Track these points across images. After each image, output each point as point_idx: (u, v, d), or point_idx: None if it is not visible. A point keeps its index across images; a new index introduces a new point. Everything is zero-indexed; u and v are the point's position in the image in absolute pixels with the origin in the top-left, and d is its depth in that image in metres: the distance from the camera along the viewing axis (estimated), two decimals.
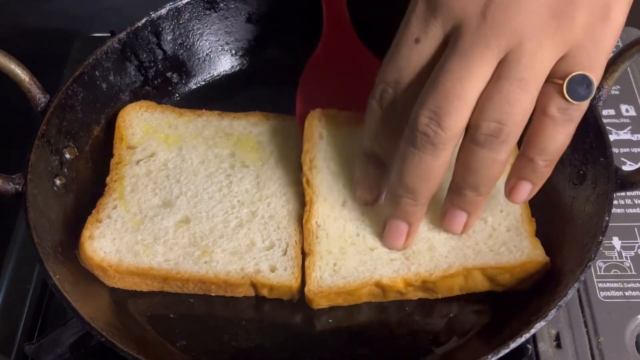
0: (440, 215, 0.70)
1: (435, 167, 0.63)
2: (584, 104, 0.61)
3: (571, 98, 0.60)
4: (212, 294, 0.72)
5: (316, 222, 0.73)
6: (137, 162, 0.79)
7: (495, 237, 0.72)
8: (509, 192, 0.67)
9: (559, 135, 0.62)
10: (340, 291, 0.70)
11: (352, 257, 0.71)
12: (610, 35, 0.60)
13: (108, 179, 0.77)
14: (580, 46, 0.60)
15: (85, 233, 0.73)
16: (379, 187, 0.71)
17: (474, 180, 0.64)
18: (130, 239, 0.73)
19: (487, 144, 0.61)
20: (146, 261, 0.71)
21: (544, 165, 0.64)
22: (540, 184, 0.66)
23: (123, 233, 0.73)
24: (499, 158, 0.62)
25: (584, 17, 0.59)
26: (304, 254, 0.73)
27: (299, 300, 0.72)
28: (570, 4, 0.59)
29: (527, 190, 0.66)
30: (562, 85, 0.60)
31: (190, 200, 0.76)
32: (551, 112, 0.61)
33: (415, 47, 0.63)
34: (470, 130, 0.61)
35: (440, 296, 0.71)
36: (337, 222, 0.73)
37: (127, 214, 0.75)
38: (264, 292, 0.72)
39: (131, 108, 0.83)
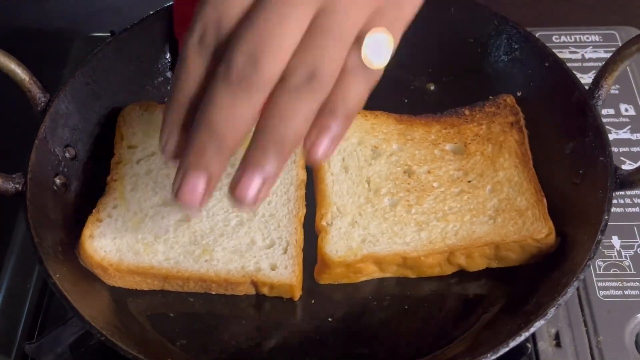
0: (231, 184, 0.62)
1: (247, 112, 0.59)
2: (382, 63, 0.61)
3: (370, 56, 0.60)
4: (213, 292, 0.73)
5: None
6: (138, 162, 0.79)
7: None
8: (310, 146, 0.61)
9: (357, 87, 0.61)
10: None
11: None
12: (410, 3, 0.63)
13: (108, 179, 0.78)
14: (384, 9, 0.61)
15: (86, 232, 0.73)
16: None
17: (279, 130, 0.59)
18: (131, 238, 0.73)
19: (298, 89, 0.59)
20: (147, 260, 0.72)
21: (342, 118, 0.61)
22: (338, 138, 0.62)
23: (123, 232, 0.73)
24: (308, 107, 0.59)
25: None
26: (304, 253, 0.73)
27: (299, 299, 0.72)
28: None
29: (327, 143, 0.61)
30: (362, 44, 0.60)
31: None
32: (350, 65, 0.60)
33: None
34: (283, 77, 0.59)
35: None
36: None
37: (128, 212, 0.75)
38: (265, 291, 0.72)
39: (131, 108, 0.83)
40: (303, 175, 0.78)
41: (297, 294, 0.72)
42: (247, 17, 0.59)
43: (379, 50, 0.61)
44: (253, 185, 0.60)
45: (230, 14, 0.60)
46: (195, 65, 0.61)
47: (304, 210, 0.76)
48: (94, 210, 0.75)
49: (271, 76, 0.59)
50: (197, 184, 0.60)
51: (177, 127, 0.63)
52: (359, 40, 0.60)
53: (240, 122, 0.59)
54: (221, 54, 0.60)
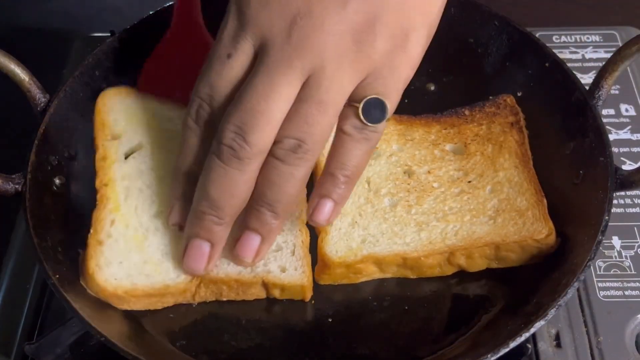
0: (233, 244, 0.69)
1: (240, 182, 0.64)
2: (379, 126, 0.64)
3: (366, 119, 0.63)
4: (224, 299, 0.72)
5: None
6: (126, 158, 0.75)
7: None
8: (312, 211, 0.67)
9: (356, 151, 0.65)
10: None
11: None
12: (406, 64, 0.64)
13: (97, 183, 0.74)
14: (378, 72, 0.63)
15: (91, 263, 0.69)
16: None
17: (271, 196, 0.64)
18: (138, 260, 0.70)
19: (286, 159, 0.63)
20: (160, 280, 0.69)
21: (344, 181, 0.65)
22: (341, 202, 0.67)
23: (128, 253, 0.70)
24: (297, 173, 0.64)
25: (383, 45, 0.62)
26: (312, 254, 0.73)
27: (298, 300, 0.72)
28: (372, 32, 0.62)
29: (329, 209, 0.66)
30: (358, 108, 0.63)
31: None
32: (348, 130, 0.64)
33: (227, 62, 0.64)
34: (273, 146, 0.63)
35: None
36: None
37: (128, 229, 0.71)
38: (276, 293, 0.71)
39: (113, 92, 0.79)
40: None
41: (309, 294, 0.72)
42: (238, 92, 0.63)
43: (374, 113, 0.64)
44: (251, 247, 0.68)
45: (222, 90, 0.64)
46: (192, 141, 0.66)
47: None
48: (92, 230, 0.71)
49: (260, 148, 0.63)
50: (200, 251, 0.67)
51: (179, 200, 0.69)
52: (354, 104, 0.63)
53: (235, 192, 0.64)
54: (216, 128, 0.64)
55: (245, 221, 0.67)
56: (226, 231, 0.67)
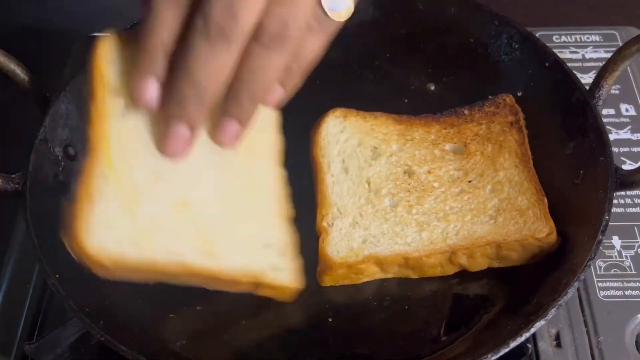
0: (213, 130, 0.67)
1: (227, 63, 0.61)
2: (339, 16, 0.63)
3: (328, 9, 0.63)
4: (210, 289, 0.70)
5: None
6: (124, 115, 0.67)
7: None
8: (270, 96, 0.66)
9: (316, 43, 0.64)
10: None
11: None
12: None
13: (91, 134, 0.66)
14: None
15: (78, 221, 0.62)
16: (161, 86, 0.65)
17: (251, 84, 0.63)
18: (129, 227, 0.64)
19: (270, 44, 0.61)
20: (149, 254, 0.64)
21: (298, 68, 0.65)
22: (290, 88, 0.66)
23: (119, 217, 0.64)
24: (279, 60, 0.62)
25: None
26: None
27: (300, 299, 0.72)
28: None
29: (280, 93, 0.66)
30: None
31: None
32: (310, 21, 0.63)
33: None
34: (256, 31, 0.61)
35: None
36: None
37: (120, 191, 0.65)
38: (263, 292, 0.71)
39: (112, 41, 0.69)
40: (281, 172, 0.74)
41: (294, 295, 0.70)
42: None
43: (338, 2, 0.63)
44: (232, 133, 0.66)
45: None
46: (169, 14, 0.62)
47: (292, 211, 0.72)
48: (80, 181, 0.64)
49: (248, 28, 0.60)
50: (181, 133, 0.65)
51: (155, 76, 0.64)
52: None
53: (220, 73, 0.62)
54: (196, 4, 0.61)
55: (224, 109, 0.65)
56: (205, 114, 0.65)
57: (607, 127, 0.78)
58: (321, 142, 0.80)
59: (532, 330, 0.63)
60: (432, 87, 0.89)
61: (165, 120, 0.65)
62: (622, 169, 0.71)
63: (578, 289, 0.76)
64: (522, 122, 0.80)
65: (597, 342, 0.73)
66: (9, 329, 0.76)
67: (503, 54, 0.85)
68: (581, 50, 0.98)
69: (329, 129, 0.81)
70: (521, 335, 0.62)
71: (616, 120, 0.90)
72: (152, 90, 0.64)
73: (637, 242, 0.80)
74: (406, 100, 0.88)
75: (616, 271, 0.78)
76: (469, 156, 0.79)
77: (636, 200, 0.83)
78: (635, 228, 0.81)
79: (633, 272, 0.77)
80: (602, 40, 0.99)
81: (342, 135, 0.80)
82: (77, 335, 0.69)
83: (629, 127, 0.90)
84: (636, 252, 0.79)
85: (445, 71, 0.89)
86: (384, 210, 0.75)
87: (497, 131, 0.80)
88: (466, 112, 0.82)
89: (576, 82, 0.78)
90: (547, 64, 0.81)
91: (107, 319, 0.68)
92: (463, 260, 0.72)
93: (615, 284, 0.77)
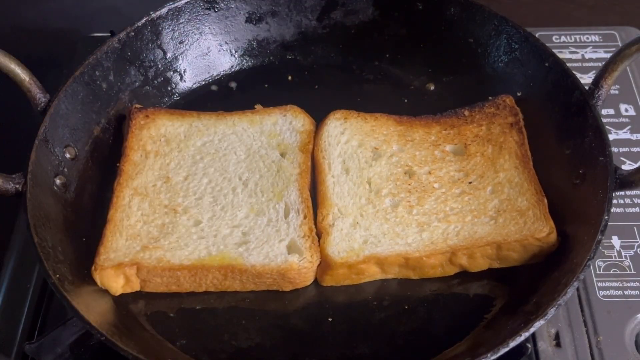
0: None
1: None
2: None
3: None
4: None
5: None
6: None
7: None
8: None
9: None
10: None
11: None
12: None
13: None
14: None
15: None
16: None
17: None
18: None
19: None
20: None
21: None
22: None
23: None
24: None
25: None
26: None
27: (299, 299, 0.72)
28: None
29: None
30: None
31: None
32: None
33: None
34: None
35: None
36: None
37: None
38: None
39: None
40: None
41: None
42: None
43: None
44: None
45: None
46: None
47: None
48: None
49: None
50: None
51: None
52: None
53: None
54: None
55: None
56: None
57: (607, 127, 0.78)
58: (322, 144, 0.80)
59: (532, 329, 0.63)
60: (432, 87, 0.89)
61: None
62: (621, 169, 0.71)
63: (578, 289, 0.76)
64: (522, 123, 0.81)
65: (597, 342, 0.73)
66: (9, 329, 0.76)
67: (503, 54, 0.85)
68: (581, 50, 0.98)
69: (329, 131, 0.81)
70: (521, 335, 0.62)
71: (615, 120, 0.90)
72: None
73: (637, 242, 0.80)
74: (406, 100, 0.88)
75: (616, 271, 0.78)
76: (469, 157, 0.79)
77: (635, 200, 0.83)
78: (635, 228, 0.81)
79: (632, 272, 0.77)
80: (601, 40, 0.99)
81: (342, 136, 0.81)
82: (77, 334, 0.69)
83: (629, 127, 0.90)
84: (635, 252, 0.79)
85: (445, 71, 0.89)
86: (385, 210, 0.75)
87: (497, 132, 0.80)
88: (466, 113, 0.82)
89: (576, 82, 0.78)
90: (547, 64, 0.81)
91: (107, 319, 0.68)
92: (463, 260, 0.72)
93: (615, 284, 0.77)
